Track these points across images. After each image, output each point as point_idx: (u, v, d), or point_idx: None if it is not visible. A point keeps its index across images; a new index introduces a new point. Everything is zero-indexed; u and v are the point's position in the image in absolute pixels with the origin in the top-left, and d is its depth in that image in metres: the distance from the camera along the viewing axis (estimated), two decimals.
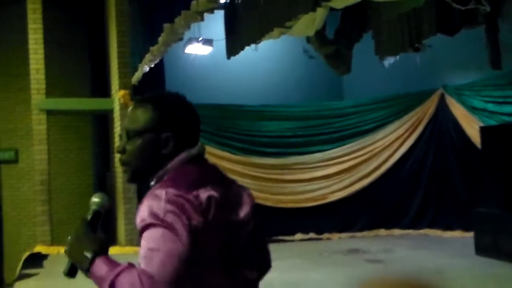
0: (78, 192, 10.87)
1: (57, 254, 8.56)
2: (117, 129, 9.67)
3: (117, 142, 9.68)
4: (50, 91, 9.76)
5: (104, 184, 10.67)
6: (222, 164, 10.01)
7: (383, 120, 10.61)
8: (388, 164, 10.48)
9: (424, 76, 10.30)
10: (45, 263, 8.05)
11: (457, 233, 9.76)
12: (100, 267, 1.54)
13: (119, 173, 9.54)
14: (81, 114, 11.08)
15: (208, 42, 10.17)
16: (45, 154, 9.54)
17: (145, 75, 9.55)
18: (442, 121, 10.26)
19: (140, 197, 8.91)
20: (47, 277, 7.17)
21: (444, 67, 10.36)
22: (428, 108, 10.37)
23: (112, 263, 1.55)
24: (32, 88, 9.67)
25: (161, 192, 1.55)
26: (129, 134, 1.73)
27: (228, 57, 8.61)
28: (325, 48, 8.54)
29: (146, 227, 1.53)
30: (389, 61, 8.65)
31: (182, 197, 1.54)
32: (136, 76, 9.62)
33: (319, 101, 11.37)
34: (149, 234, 1.52)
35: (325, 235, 10.12)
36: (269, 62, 11.96)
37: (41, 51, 9.70)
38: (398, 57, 8.25)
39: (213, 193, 1.61)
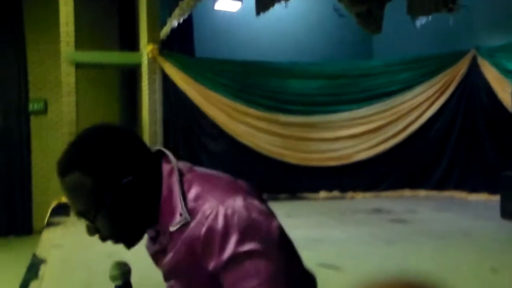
0: None
1: None
2: (145, 83, 9.70)
3: (144, 97, 9.73)
4: (79, 44, 9.79)
5: None
6: (248, 121, 10.02)
7: (412, 81, 10.46)
8: (415, 125, 10.37)
9: (457, 36, 10.09)
10: (72, 212, 8.21)
11: (482, 196, 9.68)
12: None
13: (146, 127, 9.61)
14: (109, 68, 11.11)
15: None
16: (74, 106, 9.62)
17: (173, 30, 9.51)
18: (473, 83, 10.08)
19: None
20: (73, 225, 7.32)
21: (477, 28, 10.13)
22: (459, 69, 10.19)
23: None
24: (62, 41, 9.70)
25: (219, 210, 1.30)
26: (88, 217, 1.37)
27: (257, 14, 8.53)
28: (357, 7, 8.39)
29: (225, 265, 1.29)
30: (421, 21, 8.46)
31: (245, 200, 1.33)
32: (165, 31, 9.59)
33: (347, 60, 11.23)
34: (237, 271, 1.28)
35: (349, 194, 10.12)
36: (298, 20, 11.82)
37: (71, 3, 9.69)
38: (430, 17, 8.06)
39: (244, 184, 1.42)
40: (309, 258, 5.52)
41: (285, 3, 8.69)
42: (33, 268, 5.37)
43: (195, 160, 8.19)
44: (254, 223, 1.30)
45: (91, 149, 1.38)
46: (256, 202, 1.35)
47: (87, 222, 1.38)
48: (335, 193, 10.11)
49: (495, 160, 9.38)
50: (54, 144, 10.56)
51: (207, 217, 1.30)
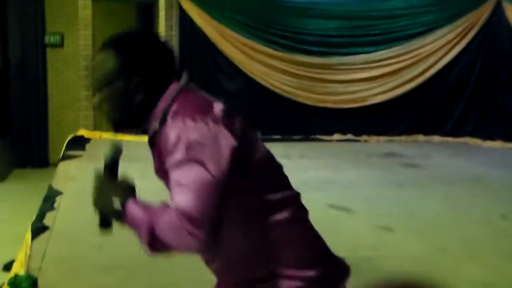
0: None
1: (99, 138, 8.80)
2: (162, 18, 9.60)
3: (161, 31, 9.65)
4: None
5: None
6: (264, 60, 9.93)
7: (434, 24, 10.24)
8: (433, 69, 10.22)
9: None
10: (87, 146, 8.29)
11: (497, 143, 9.64)
12: (133, 214, 1.46)
13: None
14: (126, 1, 10.99)
15: None
16: (90, 39, 9.58)
17: None
18: (496, 28, 9.87)
19: None
20: (88, 159, 7.41)
21: None
22: (482, 13, 9.96)
23: (145, 207, 1.46)
24: None
25: (179, 124, 1.47)
26: (98, 87, 1.62)
27: None
28: None
29: (176, 165, 1.44)
30: None
31: (204, 120, 1.46)
32: None
33: (367, 1, 10.99)
34: (180, 171, 1.44)
35: (363, 137, 10.10)
36: None
37: None
38: None
39: (222, 105, 1.54)
40: (320, 199, 5.61)
41: None
42: (49, 200, 5.47)
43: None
44: (204, 142, 1.44)
45: (134, 41, 1.62)
46: (220, 130, 1.47)
47: (94, 93, 1.64)
48: (349, 135, 10.09)
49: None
50: (70, 77, 10.56)
51: (169, 128, 1.49)
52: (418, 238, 4.88)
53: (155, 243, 1.43)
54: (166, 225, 1.41)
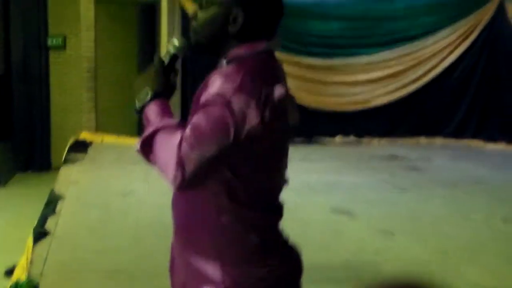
0: (123, 81, 10.95)
1: (101, 141, 8.80)
2: (164, 19, 9.60)
3: (163, 34, 9.65)
4: None
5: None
6: None
7: (436, 25, 10.22)
8: (435, 71, 10.20)
9: None
10: (89, 149, 8.30)
11: (500, 146, 9.62)
12: (153, 110, 1.56)
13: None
14: (129, 3, 10.99)
15: None
16: (92, 41, 9.58)
17: None
18: (498, 29, 9.85)
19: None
20: (90, 162, 7.43)
21: None
22: (485, 14, 9.94)
23: (166, 112, 1.56)
24: None
25: (236, 77, 1.49)
26: (202, 2, 1.66)
27: None
28: None
29: (208, 103, 1.47)
30: None
31: (254, 91, 1.48)
32: None
33: (369, 2, 10.97)
34: (208, 110, 1.46)
35: (366, 139, 10.09)
36: None
37: None
38: None
39: (283, 93, 1.57)
40: (322, 203, 5.61)
41: None
42: (51, 204, 5.48)
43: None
44: (247, 106, 1.45)
45: None
46: (261, 112, 1.48)
47: (198, 4, 1.67)
48: (352, 138, 10.08)
49: None
50: (72, 79, 10.55)
51: (224, 73, 1.52)
52: (420, 241, 4.89)
53: (146, 146, 1.50)
54: (164, 141, 1.47)
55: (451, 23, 10.12)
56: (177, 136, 1.44)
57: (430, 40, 10.19)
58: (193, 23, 1.67)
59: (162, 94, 1.60)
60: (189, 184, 1.43)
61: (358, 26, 10.35)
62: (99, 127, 9.57)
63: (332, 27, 10.33)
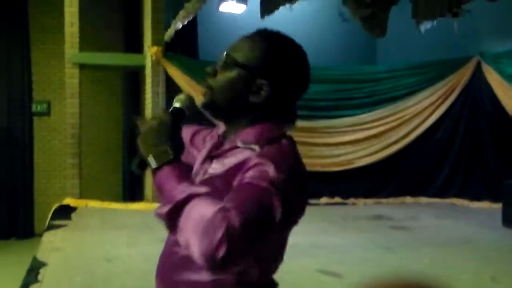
0: (107, 147, 10.99)
1: (85, 207, 8.72)
2: (148, 85, 9.70)
3: (148, 99, 9.73)
4: (84, 45, 9.80)
5: (133, 140, 10.76)
6: None
7: (416, 86, 10.43)
8: (418, 131, 10.35)
9: (461, 42, 10.07)
10: (73, 215, 8.21)
11: (484, 204, 9.65)
12: (175, 173, 1.37)
13: None
14: (113, 69, 11.13)
15: (242, 0, 10.04)
16: (77, 108, 9.64)
17: (177, 32, 9.51)
18: (477, 90, 10.04)
19: None
20: (74, 228, 7.33)
21: (482, 33, 10.11)
22: (463, 75, 10.16)
23: (188, 177, 1.39)
24: (66, 42, 9.72)
25: (282, 162, 1.37)
26: (226, 60, 1.53)
27: (262, 17, 8.53)
28: (361, 11, 8.39)
29: (255, 185, 1.31)
30: (425, 26, 8.45)
31: (298, 178, 1.40)
32: (169, 33, 9.60)
33: (351, 65, 11.21)
34: (253, 189, 1.31)
35: (351, 200, 10.10)
36: (302, 24, 11.79)
37: (76, 4, 9.72)
38: (435, 22, 8.05)
39: (307, 178, 1.48)
40: (309, 264, 5.55)
41: (290, 6, 8.69)
42: (33, 272, 5.36)
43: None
44: (287, 188, 1.33)
45: (289, 51, 1.56)
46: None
47: (217, 64, 1.56)
48: (337, 199, 10.10)
49: (498, 168, 9.37)
50: (56, 145, 10.58)
51: (264, 158, 1.37)
52: None
53: (175, 212, 1.30)
54: (203, 209, 1.27)
55: (431, 84, 10.33)
56: (218, 207, 1.26)
57: (411, 101, 10.37)
58: (210, 81, 1.56)
59: (170, 156, 1.41)
60: (228, 260, 1.22)
61: (340, 88, 10.54)
62: (83, 193, 9.51)
63: (314, 89, 10.48)
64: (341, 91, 10.58)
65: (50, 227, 7.33)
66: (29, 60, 10.84)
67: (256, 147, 1.44)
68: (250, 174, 1.34)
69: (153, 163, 1.40)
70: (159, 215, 1.34)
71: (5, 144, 10.38)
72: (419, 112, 10.36)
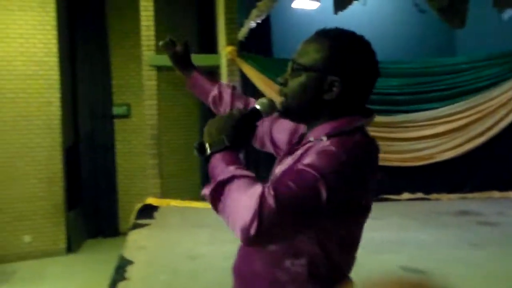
0: (186, 147, 11.16)
1: (167, 206, 8.89)
2: None
3: None
4: (159, 47, 9.98)
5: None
6: None
7: (500, 77, 10.02)
8: (504, 123, 9.92)
9: None
10: (156, 214, 8.38)
11: None
12: (226, 158, 1.46)
13: None
14: None
15: None
16: (155, 109, 9.83)
17: (251, 30, 9.54)
18: None
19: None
20: (158, 227, 7.48)
21: None
22: None
23: (240, 163, 1.46)
24: (143, 45, 9.94)
25: (337, 156, 1.42)
26: (294, 67, 1.60)
27: (335, 12, 8.43)
28: (439, 1, 8.15)
29: (303, 170, 1.39)
30: (508, 13, 8.13)
31: (353, 174, 1.43)
32: (243, 32, 9.64)
33: (429, 57, 10.91)
34: (301, 175, 1.38)
35: (434, 196, 9.82)
36: (376, 18, 11.61)
37: (151, 8, 9.92)
38: None
39: (378, 177, 1.53)
40: (391, 261, 5.41)
41: (364, 0, 8.55)
42: (120, 269, 5.51)
43: (272, 161, 8.12)
44: (342, 185, 1.40)
45: (353, 45, 1.60)
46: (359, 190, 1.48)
47: (286, 73, 1.63)
48: (419, 194, 9.84)
49: None
50: (137, 147, 10.84)
51: (323, 147, 1.45)
52: None
53: (218, 191, 1.40)
54: (243, 188, 1.37)
55: None
56: (257, 187, 1.36)
57: (495, 92, 9.97)
58: (283, 89, 1.63)
59: (235, 146, 1.50)
60: (261, 237, 1.32)
61: (419, 82, 10.27)
62: (164, 192, 9.70)
63: (392, 83, 10.28)
64: (419, 84, 10.30)
65: (135, 226, 7.51)
66: (109, 65, 11.17)
67: (324, 138, 1.51)
68: (303, 161, 1.42)
69: (207, 149, 1.50)
70: (203, 194, 1.44)
71: (89, 147, 10.74)
72: (503, 103, 9.94)
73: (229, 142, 1.48)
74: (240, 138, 1.53)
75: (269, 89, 9.80)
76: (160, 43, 2.29)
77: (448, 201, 9.55)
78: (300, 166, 1.41)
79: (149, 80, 9.93)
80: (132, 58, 11.05)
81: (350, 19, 10.53)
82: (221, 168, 1.44)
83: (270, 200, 1.31)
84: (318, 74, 1.55)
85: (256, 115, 1.62)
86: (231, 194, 1.38)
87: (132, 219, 8.19)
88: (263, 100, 1.64)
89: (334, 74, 1.53)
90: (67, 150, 10.16)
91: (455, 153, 10.02)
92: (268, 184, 1.37)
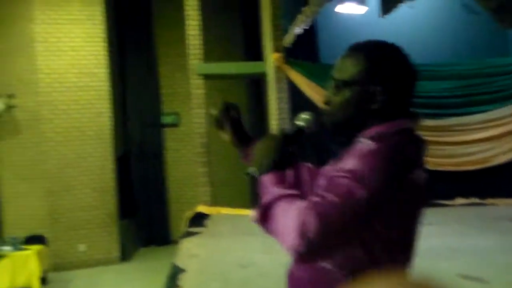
0: (235, 155, 11.15)
1: (218, 214, 8.92)
2: (272, 92, 9.78)
3: (271, 106, 9.81)
4: (206, 56, 10.07)
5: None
6: None
7: None
8: None
9: None
10: (207, 222, 8.42)
11: None
12: (271, 180, 1.51)
13: None
14: (236, 78, 11.34)
15: (362, 1, 9.88)
16: (203, 117, 9.90)
17: (297, 36, 9.51)
18: None
19: None
20: (209, 235, 7.50)
21: None
22: None
23: (284, 182, 1.52)
24: (190, 54, 10.03)
25: (375, 157, 1.44)
26: (336, 84, 1.64)
27: (382, 15, 8.34)
28: (488, 1, 7.98)
29: (341, 177, 1.42)
30: None
31: (393, 174, 1.43)
32: (289, 39, 9.62)
33: (480, 59, 10.67)
34: (339, 183, 1.40)
35: (489, 200, 9.56)
36: (424, 20, 11.42)
37: (197, 17, 10.00)
38: None
39: (423, 177, 1.53)
40: (448, 268, 5.26)
41: (411, 3, 8.43)
42: (173, 277, 5.54)
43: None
44: (382, 187, 1.39)
45: (385, 51, 1.63)
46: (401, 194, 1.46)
47: (328, 91, 1.67)
48: (473, 199, 9.61)
49: None
50: (186, 155, 10.93)
51: (366, 151, 1.46)
52: None
53: (265, 214, 1.46)
54: (287, 207, 1.42)
55: None
56: (299, 204, 1.40)
57: None
58: (327, 108, 1.66)
59: (281, 165, 1.56)
60: (311, 254, 1.37)
61: (470, 84, 10.05)
62: (214, 200, 9.75)
63: (442, 86, 10.09)
64: (470, 86, 10.08)
65: (186, 234, 7.55)
66: (157, 74, 11.32)
67: (364, 139, 1.53)
68: (340, 166, 1.45)
69: (256, 173, 1.58)
70: (252, 219, 1.52)
71: (140, 157, 10.90)
72: None
73: (273, 165, 1.55)
74: (285, 158, 1.60)
75: (317, 95, 9.75)
76: (212, 112, 2.09)
77: (505, 206, 9.27)
78: (335, 173, 1.44)
79: (197, 89, 10.00)
80: (180, 67, 11.17)
81: (396, 22, 10.43)
82: (267, 190, 1.50)
83: (311, 218, 1.35)
84: (360, 86, 1.58)
85: (299, 132, 1.68)
86: (276, 217, 1.44)
87: (183, 227, 8.25)
88: (304, 116, 1.69)
89: (375, 83, 1.57)
90: (119, 159, 10.33)
91: (510, 156, 9.75)
92: (310, 199, 1.40)
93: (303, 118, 1.68)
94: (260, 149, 1.61)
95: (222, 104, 2.09)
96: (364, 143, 1.51)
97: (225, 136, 2.13)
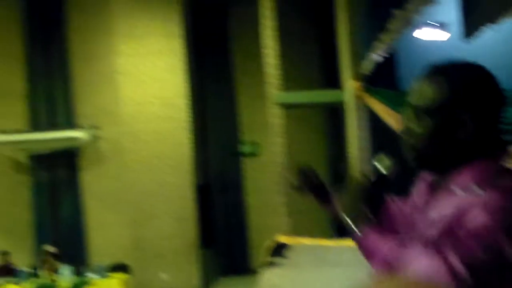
0: None
1: (298, 244, 8.82)
2: (351, 120, 9.67)
3: (350, 135, 9.69)
4: (285, 84, 10.10)
5: (338, 175, 10.76)
6: None
7: None
8: None
9: None
10: (287, 252, 8.34)
11: None
12: (379, 235, 1.43)
13: (355, 165, 9.52)
14: (314, 106, 11.30)
15: (442, 26, 9.68)
16: (282, 146, 9.89)
17: (376, 64, 9.40)
18: None
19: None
20: (290, 266, 7.43)
21: None
22: None
23: (387, 235, 1.43)
24: (268, 83, 10.08)
25: (499, 207, 1.25)
26: (416, 113, 1.44)
27: (464, 40, 8.12)
28: None
29: (473, 231, 1.23)
30: None
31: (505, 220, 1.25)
32: (367, 66, 9.51)
33: None
34: (474, 236, 1.23)
35: None
36: (510, 42, 11.03)
37: (274, 46, 10.06)
38: None
39: None
40: None
41: (494, 26, 8.16)
42: None
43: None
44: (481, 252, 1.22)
45: (468, 73, 1.45)
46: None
47: (406, 121, 1.47)
48: None
49: None
50: (265, 184, 10.92)
51: (488, 204, 1.26)
52: None
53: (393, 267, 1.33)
54: (415, 255, 1.27)
55: None
56: (436, 262, 1.23)
57: None
58: (407, 139, 1.47)
59: (374, 214, 1.49)
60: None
61: None
62: (294, 230, 9.67)
63: None
64: None
65: (267, 265, 7.51)
66: (236, 104, 11.45)
67: (479, 191, 1.31)
68: (467, 220, 1.25)
69: (355, 229, 1.47)
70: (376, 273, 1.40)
71: (219, 185, 11.00)
72: None
73: (368, 219, 1.47)
74: (375, 205, 1.53)
75: (398, 124, 9.56)
76: (288, 177, 1.99)
77: None
78: (473, 231, 1.24)
79: (276, 118, 10.01)
80: (258, 96, 11.24)
81: (480, 47, 10.08)
82: (380, 248, 1.41)
83: (464, 275, 1.20)
84: (445, 114, 1.40)
85: (382, 178, 1.59)
86: (409, 263, 1.28)
87: (262, 257, 8.20)
88: (384, 162, 1.59)
89: (462, 109, 1.39)
90: (199, 188, 10.45)
91: None
92: (446, 256, 1.23)
93: (385, 164, 1.58)
94: (349, 205, 1.53)
95: (297, 170, 1.98)
96: (479, 193, 1.31)
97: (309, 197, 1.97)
